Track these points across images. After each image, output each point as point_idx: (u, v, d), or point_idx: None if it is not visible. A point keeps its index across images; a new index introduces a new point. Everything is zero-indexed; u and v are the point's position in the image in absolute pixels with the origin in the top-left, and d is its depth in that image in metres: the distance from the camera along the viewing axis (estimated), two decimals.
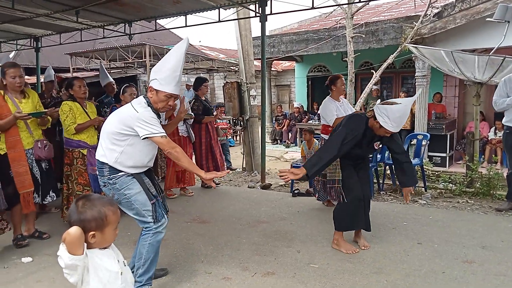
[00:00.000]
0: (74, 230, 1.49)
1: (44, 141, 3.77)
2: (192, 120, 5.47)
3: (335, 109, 4.48)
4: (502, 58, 5.23)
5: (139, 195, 2.62)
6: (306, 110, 13.23)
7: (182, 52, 2.62)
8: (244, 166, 7.81)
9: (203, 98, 5.78)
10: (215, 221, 4.30)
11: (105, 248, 1.66)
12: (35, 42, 9.00)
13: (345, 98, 4.99)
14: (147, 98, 2.63)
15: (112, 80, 5.70)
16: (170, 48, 12.08)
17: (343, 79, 4.74)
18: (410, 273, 2.95)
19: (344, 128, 3.15)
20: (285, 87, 17.93)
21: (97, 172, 2.70)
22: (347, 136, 3.07)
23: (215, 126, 5.85)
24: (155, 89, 2.58)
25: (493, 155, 8.13)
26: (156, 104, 2.61)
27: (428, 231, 3.77)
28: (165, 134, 2.59)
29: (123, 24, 7.70)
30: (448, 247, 3.37)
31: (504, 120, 4.53)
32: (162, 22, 8.48)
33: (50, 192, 3.86)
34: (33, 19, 6.86)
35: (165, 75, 2.56)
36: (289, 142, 12.12)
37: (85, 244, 1.55)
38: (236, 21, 7.29)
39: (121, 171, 2.61)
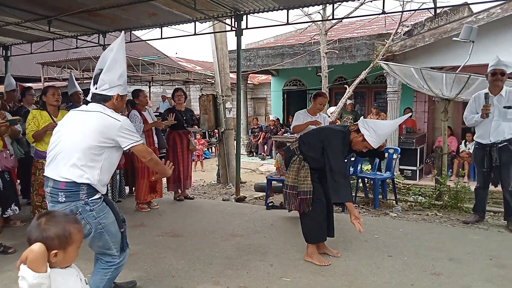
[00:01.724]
0: (38, 247, 1.41)
1: (7, 151, 3.65)
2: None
3: (302, 120, 4.64)
4: (467, 76, 5.46)
5: (112, 225, 2.36)
6: (282, 123, 13.36)
7: (124, 50, 2.50)
8: (219, 178, 7.77)
9: (181, 109, 5.74)
10: (188, 234, 4.24)
11: (67, 267, 1.60)
12: (4, 51, 8.76)
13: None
14: (106, 107, 2.40)
15: (80, 90, 5.55)
16: (146, 59, 12.01)
17: (325, 99, 4.80)
18: (380, 285, 2.98)
19: (334, 143, 3.21)
20: (261, 100, 18.08)
21: (63, 198, 2.25)
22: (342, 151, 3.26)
23: (187, 138, 5.79)
24: (121, 95, 2.47)
25: (460, 169, 8.41)
26: (118, 110, 2.49)
27: (399, 243, 3.84)
28: (144, 141, 2.51)
29: (97, 35, 7.62)
30: (417, 260, 3.44)
31: (475, 136, 4.69)
32: (138, 33, 8.45)
33: (12, 205, 3.73)
34: (2, 27, 6.69)
35: (124, 79, 2.49)
36: (264, 155, 12.17)
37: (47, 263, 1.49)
38: (212, 34, 7.34)
39: (98, 192, 2.33)
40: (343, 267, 3.32)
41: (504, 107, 4.32)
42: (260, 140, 12.71)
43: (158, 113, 11.83)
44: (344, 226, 4.34)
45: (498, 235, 4.14)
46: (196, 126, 6.49)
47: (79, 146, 2.27)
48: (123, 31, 2.57)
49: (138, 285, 3.01)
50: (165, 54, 16.01)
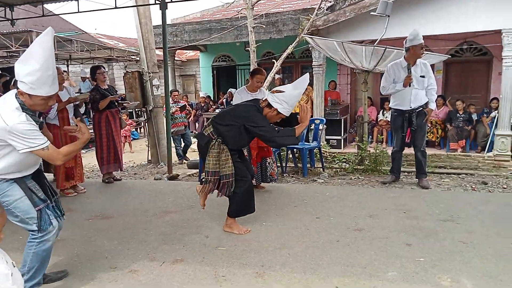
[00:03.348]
0: None
1: None
2: (84, 109, 5.20)
3: (240, 101, 4.59)
4: (384, 48, 5.85)
5: (20, 202, 2.37)
6: (212, 99, 13.28)
7: (49, 47, 2.29)
8: (149, 158, 7.60)
9: (105, 87, 5.46)
10: (120, 215, 4.14)
11: None
12: None
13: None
14: (19, 99, 2.28)
15: None
16: (61, 35, 11.12)
17: (263, 76, 4.65)
18: (309, 245, 3.20)
19: (256, 118, 3.25)
20: (191, 77, 17.74)
21: None
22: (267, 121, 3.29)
23: (119, 117, 5.56)
24: (27, 94, 2.26)
25: (379, 135, 9.10)
26: (33, 107, 2.32)
27: (325, 206, 4.12)
28: (47, 145, 2.31)
29: (3, 8, 6.89)
30: (342, 219, 3.72)
31: (391, 103, 5.06)
32: (50, 7, 7.77)
33: None
34: None
35: (37, 78, 2.24)
36: (196, 132, 12.07)
37: None
38: (135, 8, 7.00)
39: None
40: (275, 231, 3.49)
41: (420, 76, 4.73)
42: (191, 118, 12.55)
43: (78, 94, 11.13)
44: (275, 195, 4.54)
45: (411, 192, 4.61)
46: (129, 102, 6.23)
47: None
48: (50, 27, 2.28)
49: (69, 271, 2.90)
50: (83, 30, 14.91)
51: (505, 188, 4.87)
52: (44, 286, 2.68)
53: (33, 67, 2.23)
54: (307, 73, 3.53)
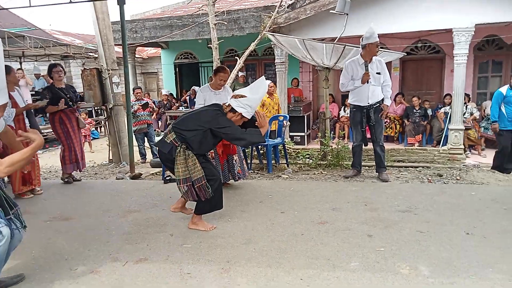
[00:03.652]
0: None
1: None
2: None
3: (203, 99, 4.59)
4: (343, 46, 5.99)
5: None
6: (175, 97, 13.09)
7: None
8: (110, 157, 7.39)
9: (61, 86, 5.25)
10: (80, 216, 4.00)
11: None
12: None
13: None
14: None
15: None
16: (12, 31, 10.56)
17: (226, 74, 4.63)
18: (275, 239, 3.23)
19: (222, 121, 3.28)
20: (152, 74, 17.40)
21: None
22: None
23: (76, 117, 5.36)
24: None
25: (340, 130, 9.33)
26: None
27: (290, 201, 4.17)
28: None
29: None
30: (306, 213, 3.79)
31: (349, 99, 5.19)
32: None
33: None
34: None
35: None
36: (159, 130, 11.86)
37: None
38: (91, 3, 6.75)
39: None
40: (241, 227, 3.50)
41: (377, 73, 4.88)
42: (153, 116, 12.31)
43: (33, 92, 10.63)
44: (241, 191, 4.56)
45: (372, 185, 4.76)
46: (85, 102, 6.01)
47: None
48: None
49: (26, 274, 2.78)
50: (36, 26, 14.22)
51: (458, 180, 5.13)
52: None
53: None
54: (263, 76, 3.66)
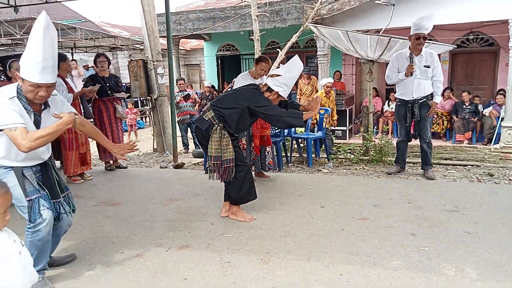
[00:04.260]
0: None
1: None
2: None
3: (242, 84, 4.59)
4: (388, 38, 5.81)
5: (13, 190, 2.21)
6: (217, 89, 13.25)
7: (40, 32, 2.23)
8: (155, 147, 7.63)
9: (105, 76, 5.46)
10: (126, 202, 4.17)
11: None
12: None
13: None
14: (19, 84, 2.32)
15: None
16: (65, 23, 11.10)
17: (267, 64, 4.57)
18: (314, 233, 3.22)
19: (261, 99, 3.32)
20: (195, 66, 17.69)
21: None
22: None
23: (113, 106, 5.56)
24: (21, 77, 2.28)
25: (384, 125, 9.08)
26: (26, 94, 2.30)
27: (330, 195, 4.13)
28: (15, 126, 2.21)
29: None
30: (347, 208, 3.74)
31: (396, 94, 5.04)
32: None
33: None
34: None
35: (27, 62, 2.26)
36: None
37: None
38: None
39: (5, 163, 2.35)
40: (280, 219, 3.51)
41: (424, 66, 4.68)
42: (196, 107, 12.55)
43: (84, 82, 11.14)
44: (281, 184, 4.56)
45: (416, 182, 4.60)
46: (123, 93, 6.20)
47: None
48: (43, 12, 2.24)
49: (78, 255, 2.95)
50: (86, 18, 14.86)
51: (511, 180, 4.86)
52: (52, 269, 2.72)
53: (27, 51, 2.27)
54: (296, 55, 3.58)
